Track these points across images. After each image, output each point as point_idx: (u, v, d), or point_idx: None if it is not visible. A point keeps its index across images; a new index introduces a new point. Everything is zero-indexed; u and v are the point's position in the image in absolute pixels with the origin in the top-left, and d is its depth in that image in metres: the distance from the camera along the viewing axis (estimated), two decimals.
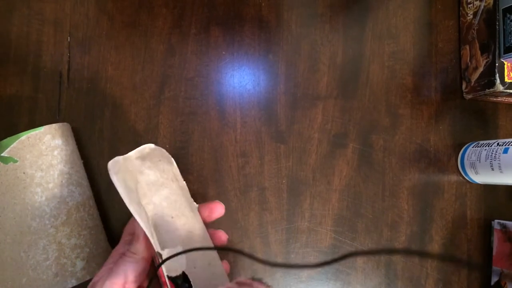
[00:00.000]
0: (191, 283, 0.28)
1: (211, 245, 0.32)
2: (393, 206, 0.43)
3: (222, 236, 0.34)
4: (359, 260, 0.42)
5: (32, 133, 0.32)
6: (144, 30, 0.41)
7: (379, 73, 0.44)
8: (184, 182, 0.33)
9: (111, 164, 0.25)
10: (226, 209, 0.40)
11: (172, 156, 0.40)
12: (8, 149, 0.32)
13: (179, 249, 0.27)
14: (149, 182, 0.29)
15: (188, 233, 0.31)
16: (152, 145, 0.31)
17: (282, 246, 0.41)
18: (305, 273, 0.41)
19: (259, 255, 0.41)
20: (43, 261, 0.31)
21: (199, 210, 0.33)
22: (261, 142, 0.41)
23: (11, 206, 0.31)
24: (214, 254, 0.32)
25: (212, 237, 0.33)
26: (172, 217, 0.30)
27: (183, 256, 0.27)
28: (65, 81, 0.39)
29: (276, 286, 0.41)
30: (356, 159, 0.43)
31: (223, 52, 0.42)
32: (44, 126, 0.33)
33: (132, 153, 0.29)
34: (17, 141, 0.32)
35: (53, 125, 0.34)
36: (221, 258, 0.33)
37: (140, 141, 0.40)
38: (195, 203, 0.33)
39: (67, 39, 0.40)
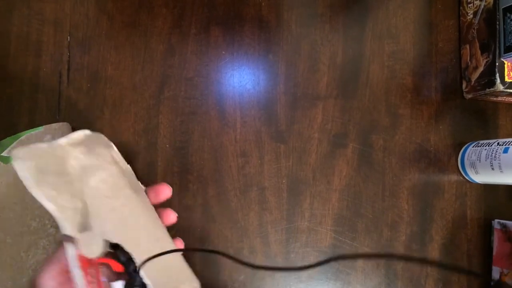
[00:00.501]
0: (131, 255, 0.28)
1: (159, 223, 0.32)
2: (393, 206, 0.43)
3: (171, 215, 0.33)
4: (359, 260, 0.42)
5: (32, 133, 0.32)
6: (144, 30, 0.41)
7: (379, 73, 0.44)
8: (128, 165, 0.33)
9: (15, 152, 0.25)
10: (226, 209, 0.40)
11: (172, 156, 0.40)
12: (8, 148, 0.32)
13: (97, 232, 0.27)
14: (83, 167, 0.29)
15: (130, 211, 0.30)
16: (87, 131, 0.31)
17: (282, 246, 0.41)
18: (305, 273, 0.41)
19: (259, 255, 0.41)
20: (43, 261, 0.31)
21: (146, 193, 0.33)
22: (261, 142, 0.41)
23: (11, 206, 0.31)
24: (163, 233, 0.32)
25: (161, 216, 0.33)
26: (110, 198, 0.30)
27: (99, 237, 0.27)
28: (65, 81, 0.39)
29: (276, 285, 0.41)
30: (356, 159, 0.43)
31: (223, 52, 0.42)
32: (44, 126, 0.33)
33: (63, 140, 0.29)
34: (17, 141, 0.32)
35: (53, 125, 0.34)
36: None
37: (139, 141, 0.40)
38: (142, 186, 0.33)
39: (67, 39, 0.40)
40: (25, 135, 0.32)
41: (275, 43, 0.42)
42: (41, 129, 0.33)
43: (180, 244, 0.33)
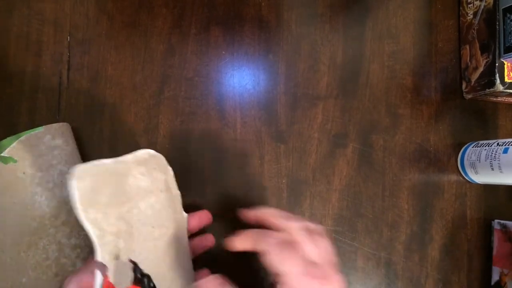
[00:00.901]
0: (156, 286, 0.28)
1: (187, 258, 0.33)
2: (393, 206, 0.43)
3: (210, 239, 0.36)
4: (359, 260, 0.42)
5: (32, 133, 0.32)
6: (144, 30, 0.41)
7: (379, 73, 0.44)
8: (178, 192, 0.33)
9: (78, 170, 0.25)
10: (226, 209, 0.40)
11: (172, 157, 0.40)
12: (8, 149, 0.32)
13: (133, 258, 0.27)
14: (139, 187, 0.29)
15: (164, 243, 0.31)
16: (151, 151, 0.31)
17: None
18: None
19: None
20: (43, 261, 0.31)
21: (188, 219, 0.34)
22: (261, 142, 0.41)
23: (11, 206, 0.31)
24: (186, 270, 0.32)
25: (201, 241, 0.35)
26: (153, 227, 0.30)
27: (129, 268, 0.27)
28: (65, 81, 0.39)
29: None
30: (356, 159, 0.43)
31: (223, 52, 0.42)
32: (44, 126, 0.33)
33: (128, 156, 0.29)
34: (17, 141, 0.32)
35: (53, 125, 0.34)
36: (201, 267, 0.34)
37: (139, 141, 0.40)
38: (185, 213, 0.34)
39: (67, 39, 0.40)
40: (25, 135, 0.32)
41: (275, 43, 0.42)
42: (41, 129, 0.33)
43: (207, 273, 0.34)
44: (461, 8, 0.45)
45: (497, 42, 0.40)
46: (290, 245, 0.27)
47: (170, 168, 0.33)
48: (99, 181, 0.26)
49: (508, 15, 0.39)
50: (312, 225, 0.29)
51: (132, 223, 0.28)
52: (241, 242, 0.29)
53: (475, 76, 0.43)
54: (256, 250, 0.28)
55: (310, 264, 0.26)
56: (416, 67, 0.44)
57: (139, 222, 0.29)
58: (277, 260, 0.26)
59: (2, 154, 0.31)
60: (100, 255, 0.25)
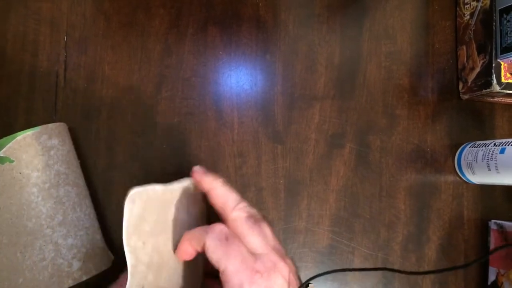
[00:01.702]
0: None
1: None
2: (390, 207, 0.43)
3: None
4: (357, 261, 0.42)
5: (28, 133, 0.32)
6: (141, 30, 0.41)
7: (376, 73, 0.44)
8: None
9: (133, 193, 0.25)
10: None
11: (169, 156, 0.40)
12: (4, 149, 0.31)
13: None
14: (177, 219, 0.29)
15: (191, 282, 0.30)
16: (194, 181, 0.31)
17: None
18: (302, 273, 0.41)
19: None
20: (40, 261, 0.31)
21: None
22: (258, 142, 0.41)
23: (7, 206, 0.31)
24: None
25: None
26: (180, 264, 0.30)
27: None
28: (61, 81, 0.39)
29: None
30: (353, 159, 0.43)
31: (220, 52, 0.42)
32: (41, 126, 0.33)
33: (175, 184, 0.29)
34: (13, 141, 0.32)
35: (50, 125, 0.34)
36: None
37: (137, 141, 0.40)
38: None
39: (64, 38, 0.40)
40: (21, 135, 0.32)
41: (273, 44, 0.42)
42: (37, 129, 0.33)
43: None
44: (458, 9, 0.46)
45: (493, 43, 0.40)
46: (231, 239, 0.25)
47: (203, 204, 0.32)
48: (147, 208, 0.26)
49: (505, 15, 0.39)
50: (254, 211, 0.28)
51: (164, 256, 0.28)
52: (185, 248, 0.27)
53: (471, 77, 0.43)
54: (200, 249, 0.26)
55: (253, 257, 0.25)
56: (413, 67, 0.45)
57: (169, 254, 0.28)
58: (217, 256, 0.25)
59: None
60: (129, 285, 0.25)
